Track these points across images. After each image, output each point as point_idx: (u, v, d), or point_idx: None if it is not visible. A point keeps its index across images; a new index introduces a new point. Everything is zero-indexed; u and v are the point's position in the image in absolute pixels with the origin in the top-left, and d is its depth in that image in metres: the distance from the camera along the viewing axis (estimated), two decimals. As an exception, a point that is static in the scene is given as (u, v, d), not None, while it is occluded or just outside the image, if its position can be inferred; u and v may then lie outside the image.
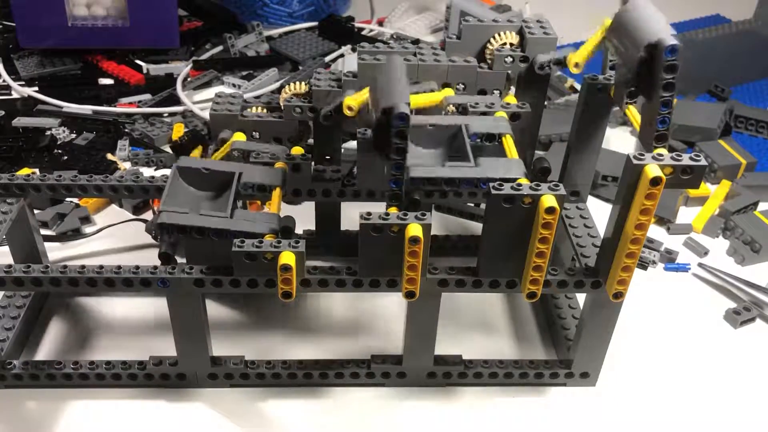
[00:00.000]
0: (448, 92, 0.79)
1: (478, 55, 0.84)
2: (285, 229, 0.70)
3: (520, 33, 0.83)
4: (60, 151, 1.13)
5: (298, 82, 0.84)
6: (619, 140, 1.25)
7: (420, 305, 0.73)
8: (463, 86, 0.82)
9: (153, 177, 0.82)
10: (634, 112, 0.73)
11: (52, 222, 0.99)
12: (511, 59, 0.82)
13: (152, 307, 0.88)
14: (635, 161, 0.64)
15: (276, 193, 0.76)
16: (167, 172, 1.07)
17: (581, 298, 0.85)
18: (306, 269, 0.70)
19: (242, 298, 0.90)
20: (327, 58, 1.41)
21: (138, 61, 1.36)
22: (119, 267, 0.70)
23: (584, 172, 0.83)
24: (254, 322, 0.87)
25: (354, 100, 0.76)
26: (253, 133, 0.85)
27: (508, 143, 0.73)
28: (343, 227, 0.96)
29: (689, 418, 0.78)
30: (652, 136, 0.67)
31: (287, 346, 0.84)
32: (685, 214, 1.08)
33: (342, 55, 1.43)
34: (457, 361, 0.79)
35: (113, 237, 0.98)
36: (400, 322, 0.86)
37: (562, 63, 0.80)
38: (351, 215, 0.85)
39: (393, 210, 0.68)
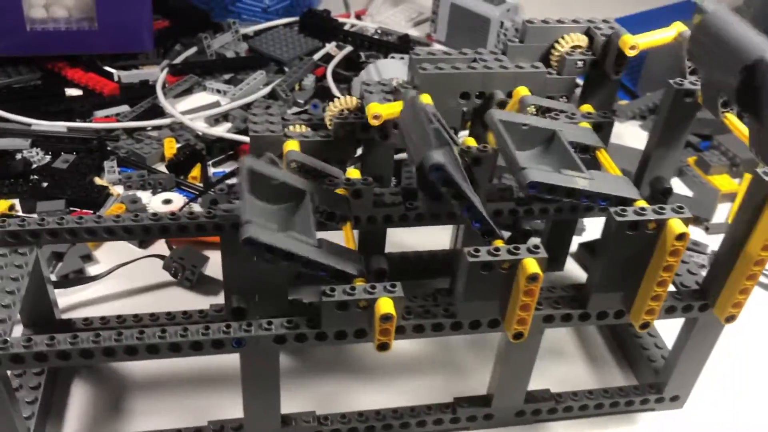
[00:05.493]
0: (524, 91, 0.72)
1: (542, 59, 0.77)
2: (379, 272, 0.61)
3: (588, 34, 0.76)
4: (37, 176, 0.99)
5: (347, 97, 0.75)
6: (631, 136, 1.21)
7: (519, 343, 0.65)
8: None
9: (192, 212, 0.71)
10: (733, 120, 0.68)
11: (47, 263, 0.85)
12: (582, 63, 0.75)
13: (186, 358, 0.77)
14: (766, 178, 0.59)
15: (348, 229, 0.67)
16: (171, 195, 0.96)
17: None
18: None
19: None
20: (315, 57, 1.31)
21: (107, 68, 1.21)
22: (185, 329, 0.59)
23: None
24: (311, 364, 0.78)
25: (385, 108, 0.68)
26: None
27: (605, 157, 0.67)
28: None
29: (785, 435, 0.75)
30: None
31: (355, 391, 0.75)
32: (717, 212, 1.05)
33: (328, 53, 1.33)
34: (546, 397, 0.73)
35: (124, 276, 0.86)
36: (470, 355, 0.79)
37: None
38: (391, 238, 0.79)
39: (499, 243, 0.60)
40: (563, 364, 0.81)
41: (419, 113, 0.61)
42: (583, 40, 0.76)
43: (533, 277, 0.58)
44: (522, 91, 0.72)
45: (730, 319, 0.66)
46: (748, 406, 0.78)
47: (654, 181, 0.66)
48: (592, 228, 0.98)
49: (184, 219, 0.70)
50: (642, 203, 0.61)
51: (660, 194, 0.64)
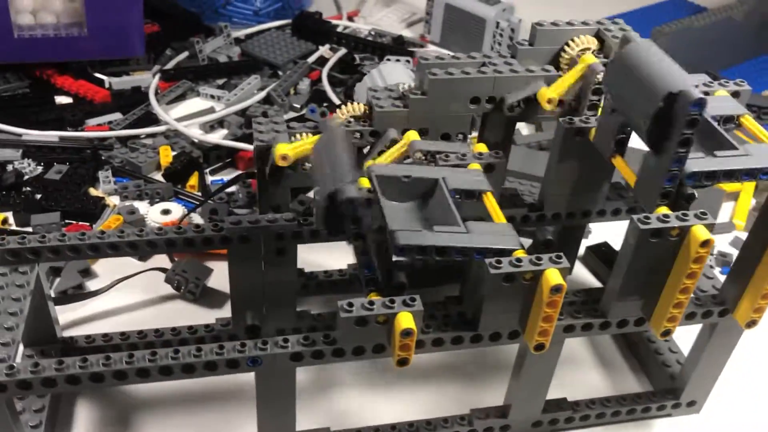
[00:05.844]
0: (414, 135, 0.70)
1: (552, 62, 0.75)
2: (400, 286, 0.59)
3: (598, 36, 0.75)
4: (30, 188, 0.96)
5: (355, 103, 0.73)
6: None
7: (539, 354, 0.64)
8: (540, 98, 0.74)
9: (198, 225, 0.69)
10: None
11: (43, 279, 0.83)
12: (593, 66, 0.74)
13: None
14: (790, 182, 0.58)
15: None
16: (169, 205, 0.94)
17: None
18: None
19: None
20: (309, 60, 1.29)
21: (98, 75, 1.18)
22: (199, 349, 0.57)
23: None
24: (323, 377, 0.76)
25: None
26: (306, 163, 0.73)
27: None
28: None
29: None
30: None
31: (368, 404, 0.74)
32: (720, 212, 1.04)
33: (322, 56, 1.31)
34: (564, 406, 0.72)
35: (125, 290, 0.83)
36: (484, 364, 0.78)
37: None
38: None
39: (520, 253, 0.59)
40: (576, 370, 0.80)
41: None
42: (593, 42, 0.75)
43: (557, 288, 0.56)
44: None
45: (752, 324, 0.66)
46: (766, 408, 0.77)
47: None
48: (598, 231, 0.97)
49: (190, 232, 0.68)
50: (664, 209, 0.60)
51: (683, 200, 0.62)
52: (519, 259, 0.57)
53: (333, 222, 0.57)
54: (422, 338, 0.61)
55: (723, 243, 0.99)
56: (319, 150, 0.61)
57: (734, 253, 0.97)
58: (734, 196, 1.07)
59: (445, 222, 0.59)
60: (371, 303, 0.57)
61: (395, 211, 0.59)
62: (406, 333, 0.56)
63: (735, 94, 0.70)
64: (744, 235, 1.00)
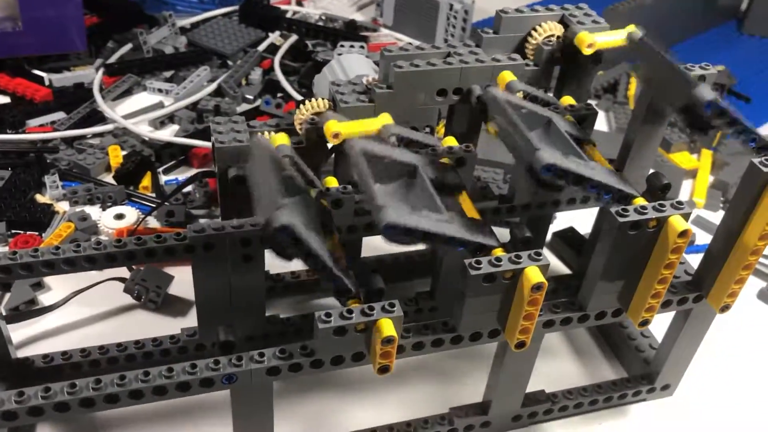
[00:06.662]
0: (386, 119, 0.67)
1: (517, 50, 0.74)
2: (378, 291, 0.57)
3: (563, 22, 0.74)
4: (-30, 197, 0.91)
5: (318, 99, 0.70)
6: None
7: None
8: (507, 87, 0.72)
9: (160, 235, 0.65)
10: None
11: (-7, 295, 0.78)
12: (560, 54, 0.73)
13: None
14: (763, 168, 0.58)
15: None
16: (123, 209, 0.89)
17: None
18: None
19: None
20: (260, 48, 1.24)
21: (36, 72, 1.12)
22: (170, 369, 0.54)
23: (641, 172, 0.77)
24: (299, 382, 0.73)
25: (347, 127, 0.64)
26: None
27: (595, 153, 0.65)
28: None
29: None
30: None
31: (347, 409, 0.72)
32: (680, 190, 1.05)
33: (273, 44, 1.27)
34: (542, 399, 0.71)
35: (82, 302, 0.79)
36: (461, 361, 0.77)
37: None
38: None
39: (498, 251, 0.57)
40: (551, 360, 0.79)
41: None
42: (558, 29, 0.73)
43: (538, 287, 0.55)
44: (508, 76, 0.69)
45: (725, 308, 0.66)
46: (734, 386, 0.78)
47: (652, 177, 0.64)
48: (563, 216, 0.97)
49: (151, 243, 0.64)
50: (641, 201, 0.59)
51: (659, 191, 0.62)
52: (498, 258, 0.56)
53: (276, 248, 0.53)
54: (402, 343, 0.59)
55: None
56: (251, 171, 0.57)
57: (696, 231, 0.98)
58: (692, 174, 1.08)
59: (430, 209, 0.56)
60: (350, 311, 0.55)
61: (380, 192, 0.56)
62: (387, 340, 0.54)
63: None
64: (705, 213, 1.02)
